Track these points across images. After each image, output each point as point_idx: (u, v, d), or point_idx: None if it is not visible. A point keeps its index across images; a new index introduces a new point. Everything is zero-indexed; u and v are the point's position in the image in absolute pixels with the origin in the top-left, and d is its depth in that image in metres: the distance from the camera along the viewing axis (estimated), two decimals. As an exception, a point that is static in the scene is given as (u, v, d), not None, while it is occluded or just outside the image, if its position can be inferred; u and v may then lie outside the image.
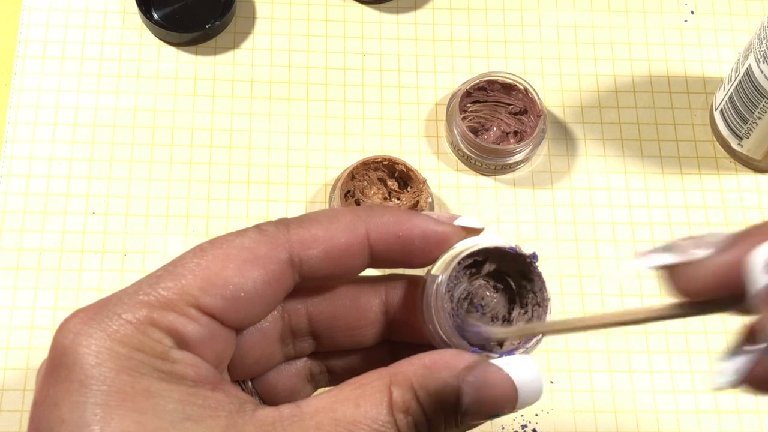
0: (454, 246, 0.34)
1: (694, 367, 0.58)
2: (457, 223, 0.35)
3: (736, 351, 0.29)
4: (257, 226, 0.34)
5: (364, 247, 0.34)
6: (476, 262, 0.34)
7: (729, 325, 0.59)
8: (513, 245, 0.34)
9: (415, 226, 0.34)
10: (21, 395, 0.55)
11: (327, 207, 0.60)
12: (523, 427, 0.56)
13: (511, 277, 0.35)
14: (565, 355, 0.58)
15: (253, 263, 0.32)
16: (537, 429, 0.56)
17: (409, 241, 0.34)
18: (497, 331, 0.34)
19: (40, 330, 0.57)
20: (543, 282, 0.34)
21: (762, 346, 0.28)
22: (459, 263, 0.34)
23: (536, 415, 0.56)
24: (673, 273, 0.29)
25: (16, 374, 0.56)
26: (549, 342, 0.58)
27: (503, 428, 0.56)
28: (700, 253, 0.29)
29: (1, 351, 0.56)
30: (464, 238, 0.35)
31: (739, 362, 0.29)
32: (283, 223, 0.34)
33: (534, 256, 0.34)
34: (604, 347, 0.58)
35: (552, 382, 0.57)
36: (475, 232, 0.35)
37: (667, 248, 0.29)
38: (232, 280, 0.32)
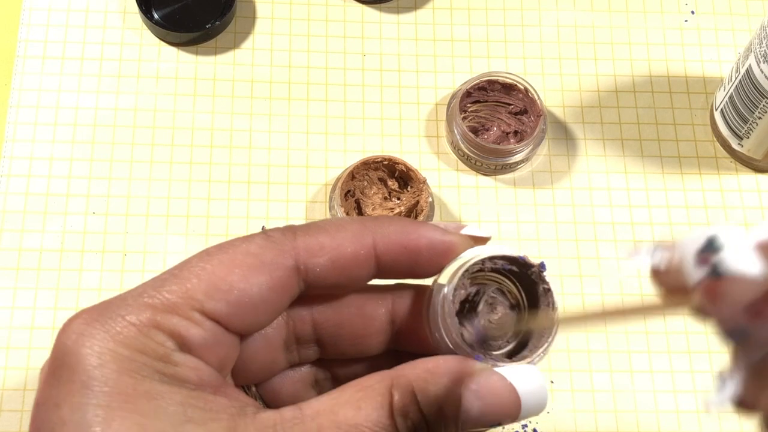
0: (461, 255, 0.35)
1: (694, 367, 0.58)
2: (463, 232, 0.35)
3: (727, 373, 0.29)
4: (264, 232, 0.34)
5: (370, 257, 0.34)
6: (483, 270, 0.34)
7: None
8: (521, 255, 0.34)
9: (422, 236, 0.34)
10: (21, 395, 0.55)
11: (327, 206, 0.60)
12: (524, 426, 0.56)
13: (520, 285, 0.35)
14: (565, 355, 0.58)
15: (259, 269, 0.32)
16: (537, 429, 0.56)
17: (416, 251, 0.34)
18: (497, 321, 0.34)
19: (40, 330, 0.57)
20: (551, 291, 0.35)
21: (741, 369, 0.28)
22: (465, 272, 0.34)
23: (536, 415, 0.56)
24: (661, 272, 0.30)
25: (16, 374, 0.56)
26: (549, 342, 0.58)
27: (503, 428, 0.56)
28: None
29: (1, 351, 0.56)
30: (471, 247, 0.35)
31: (730, 386, 0.29)
32: (290, 230, 0.34)
33: (542, 266, 0.34)
34: (605, 347, 0.58)
35: (552, 382, 0.57)
36: (482, 240, 0.35)
37: (658, 248, 0.29)
38: (237, 286, 0.32)
